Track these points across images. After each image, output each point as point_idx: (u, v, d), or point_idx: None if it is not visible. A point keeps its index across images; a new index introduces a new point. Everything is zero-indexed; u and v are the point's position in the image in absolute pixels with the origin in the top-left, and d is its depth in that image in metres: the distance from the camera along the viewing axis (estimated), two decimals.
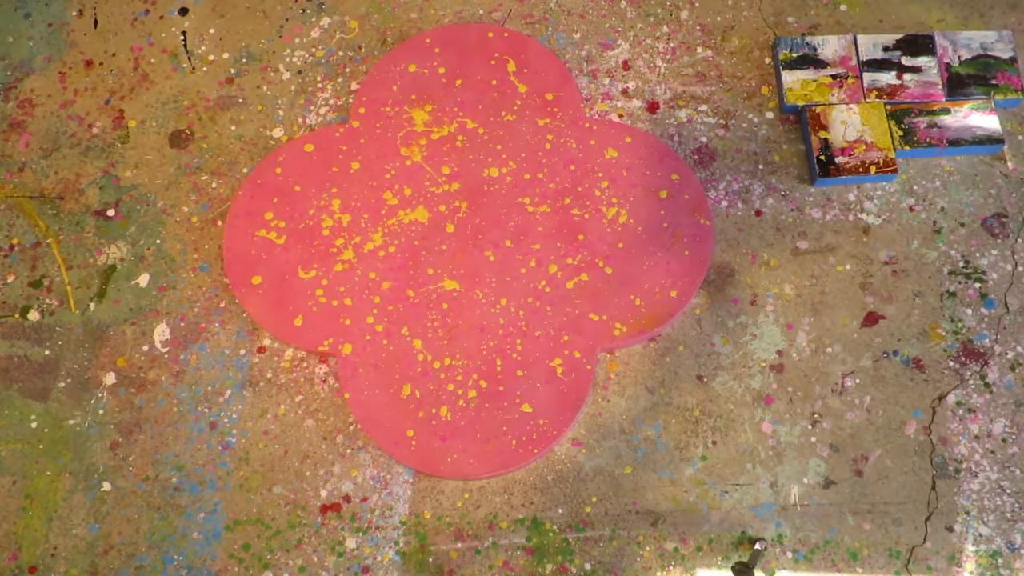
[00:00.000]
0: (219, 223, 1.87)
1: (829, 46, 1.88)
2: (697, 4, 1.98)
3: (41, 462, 1.74)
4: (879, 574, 1.60)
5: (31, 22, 2.07)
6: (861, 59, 1.87)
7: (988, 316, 1.72)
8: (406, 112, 1.89)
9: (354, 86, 1.95)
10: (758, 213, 1.82)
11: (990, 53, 1.86)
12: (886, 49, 1.88)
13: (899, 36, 1.88)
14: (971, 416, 1.67)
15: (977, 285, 1.74)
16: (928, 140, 1.81)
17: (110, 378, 1.78)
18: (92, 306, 1.83)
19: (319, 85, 1.96)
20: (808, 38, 1.89)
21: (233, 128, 1.94)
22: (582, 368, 1.70)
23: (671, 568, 1.62)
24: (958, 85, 1.85)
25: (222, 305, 1.81)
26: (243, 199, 1.84)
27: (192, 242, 1.86)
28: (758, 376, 1.71)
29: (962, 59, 1.86)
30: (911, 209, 1.80)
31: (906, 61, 1.86)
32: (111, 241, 1.87)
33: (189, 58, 2.01)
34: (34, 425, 1.76)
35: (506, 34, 1.94)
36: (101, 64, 2.02)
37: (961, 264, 1.76)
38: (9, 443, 1.75)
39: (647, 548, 1.63)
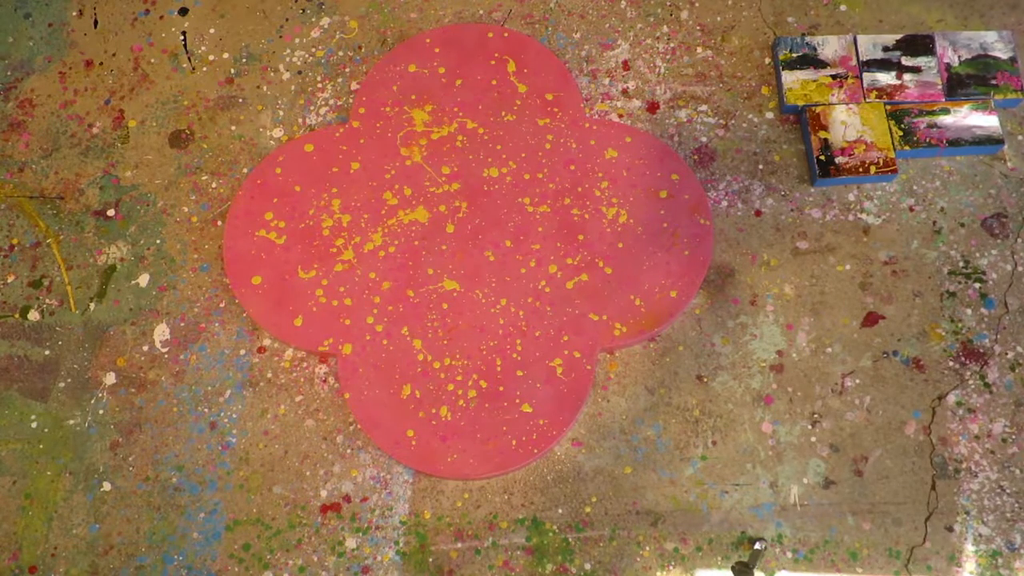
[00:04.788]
0: (219, 223, 1.87)
1: (829, 46, 1.88)
2: (697, 4, 1.98)
3: (41, 462, 1.74)
4: (879, 574, 1.60)
5: (31, 22, 2.07)
6: (861, 59, 1.87)
7: (988, 316, 1.72)
8: (406, 112, 1.89)
9: (354, 86, 1.95)
10: (758, 213, 1.82)
11: (990, 53, 1.86)
12: (886, 49, 1.88)
13: (899, 36, 1.88)
14: (971, 416, 1.67)
15: (977, 285, 1.74)
16: (928, 140, 1.81)
17: (110, 378, 1.78)
18: (92, 306, 1.83)
19: (319, 85, 1.96)
20: (808, 38, 1.89)
21: (233, 128, 1.94)
22: (582, 368, 1.70)
23: (671, 568, 1.62)
24: (958, 85, 1.85)
25: (222, 305, 1.81)
26: (243, 199, 1.84)
27: (192, 242, 1.86)
28: (758, 376, 1.71)
29: (962, 59, 1.86)
30: (911, 209, 1.80)
31: (906, 61, 1.86)
32: (111, 241, 1.88)
33: (189, 58, 2.01)
34: (34, 425, 1.76)
35: (506, 34, 1.94)
36: (101, 64, 2.02)
37: (961, 264, 1.76)
38: (9, 443, 1.75)
39: (647, 548, 1.63)
